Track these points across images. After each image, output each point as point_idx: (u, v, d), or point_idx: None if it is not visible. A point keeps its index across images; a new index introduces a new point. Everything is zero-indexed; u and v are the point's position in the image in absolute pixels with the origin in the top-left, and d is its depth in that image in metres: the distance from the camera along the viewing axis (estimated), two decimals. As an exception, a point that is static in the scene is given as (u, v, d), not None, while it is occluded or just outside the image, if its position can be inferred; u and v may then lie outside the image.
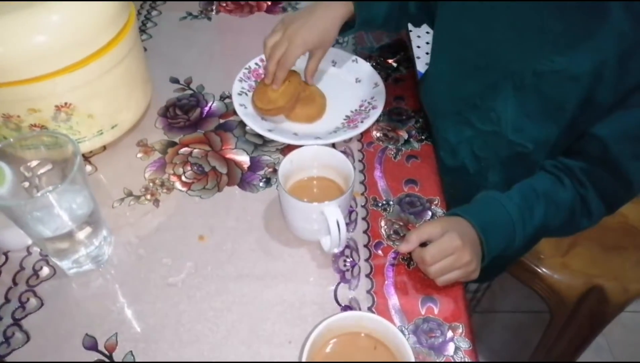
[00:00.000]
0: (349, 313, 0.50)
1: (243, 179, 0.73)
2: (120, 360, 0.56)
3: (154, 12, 1.01)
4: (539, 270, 1.03)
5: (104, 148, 0.76)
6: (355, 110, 0.81)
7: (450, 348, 0.57)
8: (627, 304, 0.99)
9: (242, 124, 0.79)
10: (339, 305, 0.60)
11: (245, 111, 0.78)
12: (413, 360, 0.47)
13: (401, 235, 0.67)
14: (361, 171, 0.74)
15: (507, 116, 0.68)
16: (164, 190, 0.71)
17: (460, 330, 0.59)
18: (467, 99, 0.72)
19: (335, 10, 0.73)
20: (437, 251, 0.58)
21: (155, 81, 0.83)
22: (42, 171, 0.63)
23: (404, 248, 0.60)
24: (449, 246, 0.58)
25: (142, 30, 0.97)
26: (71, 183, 0.55)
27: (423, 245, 0.61)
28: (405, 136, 0.79)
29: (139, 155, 0.76)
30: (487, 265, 0.95)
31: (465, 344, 0.57)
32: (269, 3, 1.04)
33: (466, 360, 0.56)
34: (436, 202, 0.71)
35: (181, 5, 1.03)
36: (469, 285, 1.03)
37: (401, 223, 0.68)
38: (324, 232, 0.62)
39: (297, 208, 0.61)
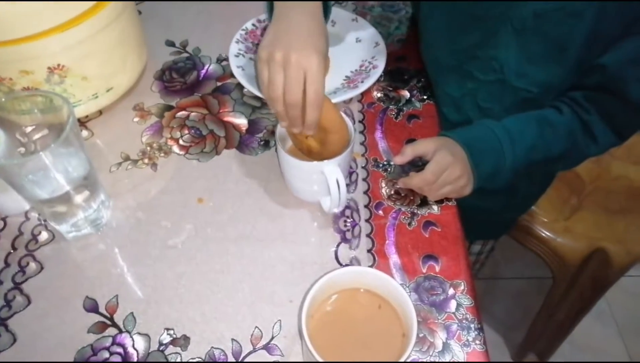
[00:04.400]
0: (350, 268, 0.49)
1: (241, 142, 0.72)
2: (122, 321, 0.56)
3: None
4: (542, 234, 1.02)
5: (100, 112, 0.75)
6: (356, 70, 0.79)
7: (452, 305, 0.57)
8: (630, 266, 0.99)
9: (240, 86, 0.77)
10: (340, 264, 0.60)
11: (242, 73, 0.76)
12: (415, 317, 0.46)
13: (402, 195, 0.66)
14: (362, 132, 0.73)
15: (509, 62, 0.67)
16: (162, 154, 0.70)
17: (462, 288, 0.58)
18: (467, 50, 0.70)
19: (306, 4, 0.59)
20: (436, 167, 0.58)
21: (150, 44, 0.81)
22: (37, 136, 0.62)
23: (399, 159, 0.60)
24: (443, 161, 0.59)
25: (137, -6, 0.94)
26: (65, 144, 0.54)
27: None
28: (407, 96, 0.77)
29: (136, 119, 0.74)
30: (494, 221, 0.95)
31: (467, 301, 0.57)
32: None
33: (468, 317, 0.56)
34: (438, 162, 0.70)
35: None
36: (473, 247, 1.02)
37: (402, 184, 0.67)
38: (324, 192, 0.61)
39: (296, 167, 0.61)
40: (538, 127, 0.65)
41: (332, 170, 0.58)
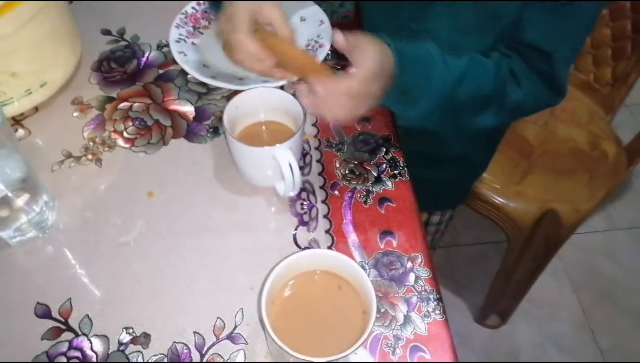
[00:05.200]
0: (307, 251, 0.49)
1: (189, 130, 0.70)
2: (77, 325, 0.54)
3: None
4: (495, 200, 1.05)
5: (36, 109, 0.71)
6: (302, 50, 0.77)
7: (411, 278, 0.58)
8: (579, 224, 1.04)
9: (184, 73, 0.75)
10: (299, 247, 0.60)
11: (185, 59, 0.73)
12: (374, 293, 0.47)
13: (357, 173, 0.66)
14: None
15: (442, 34, 0.67)
16: (106, 148, 0.67)
17: (419, 260, 0.59)
18: (403, 24, 0.70)
19: None
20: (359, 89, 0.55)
21: (84, 34, 0.77)
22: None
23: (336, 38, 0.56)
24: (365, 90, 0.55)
25: (66, -20, 0.89)
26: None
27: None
28: (355, 74, 0.77)
29: (75, 114, 0.71)
30: (449, 191, 0.97)
31: (425, 273, 0.58)
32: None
33: (427, 288, 0.57)
34: (390, 139, 0.70)
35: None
36: (432, 218, 1.04)
37: (356, 162, 0.67)
38: (278, 177, 0.60)
39: (247, 153, 0.59)
40: (470, 61, 0.64)
41: (283, 154, 0.57)
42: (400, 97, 0.61)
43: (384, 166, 0.67)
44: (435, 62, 0.61)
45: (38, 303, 0.55)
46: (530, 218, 1.04)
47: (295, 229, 0.61)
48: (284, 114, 0.64)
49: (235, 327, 0.54)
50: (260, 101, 0.63)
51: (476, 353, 1.29)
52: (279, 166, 0.58)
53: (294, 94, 0.67)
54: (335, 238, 0.60)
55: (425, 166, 0.73)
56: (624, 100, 1.16)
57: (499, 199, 1.05)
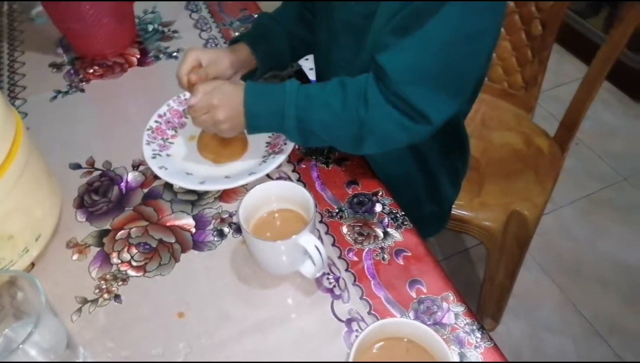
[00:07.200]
0: (364, 332, 0.51)
1: (195, 240, 0.71)
2: None
3: (18, 102, 0.91)
4: (465, 215, 1.13)
5: (32, 265, 0.68)
6: (273, 133, 0.81)
7: (451, 318, 0.62)
8: (540, 217, 1.14)
9: (169, 186, 0.76)
10: (341, 321, 0.62)
11: (168, 173, 0.75)
12: (444, 344, 0.50)
13: (365, 234, 0.70)
14: (304, 190, 0.76)
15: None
16: (119, 283, 0.67)
17: (451, 298, 0.64)
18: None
19: None
20: (199, 105, 0.70)
21: (55, 174, 0.76)
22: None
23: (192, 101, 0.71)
24: (205, 105, 0.70)
25: (11, 124, 0.87)
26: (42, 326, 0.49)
27: None
28: (328, 143, 0.82)
29: (75, 257, 0.69)
30: (430, 220, 1.03)
31: (460, 308, 0.63)
32: (138, 56, 0.99)
33: (468, 321, 0.62)
34: (380, 193, 0.75)
35: (44, 86, 0.94)
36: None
37: (360, 224, 0.71)
38: (300, 261, 0.63)
39: (271, 248, 0.62)
40: (317, 85, 0.71)
41: (308, 239, 0.60)
42: (260, 121, 0.72)
43: (386, 220, 0.72)
44: (285, 89, 0.70)
45: None
46: (499, 223, 1.13)
47: (331, 304, 0.64)
48: (290, 201, 0.67)
49: (318, 418, 0.55)
50: (266, 194, 0.66)
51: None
52: (303, 252, 0.61)
53: (281, 178, 0.70)
54: (370, 302, 0.64)
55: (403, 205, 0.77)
56: (538, 98, 1.31)
57: (467, 214, 1.14)
